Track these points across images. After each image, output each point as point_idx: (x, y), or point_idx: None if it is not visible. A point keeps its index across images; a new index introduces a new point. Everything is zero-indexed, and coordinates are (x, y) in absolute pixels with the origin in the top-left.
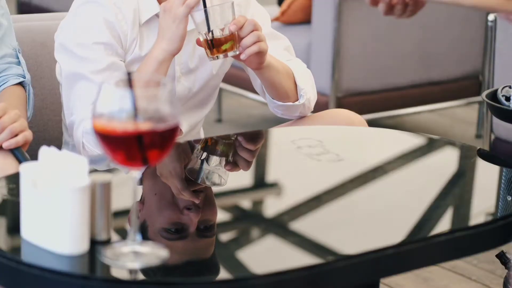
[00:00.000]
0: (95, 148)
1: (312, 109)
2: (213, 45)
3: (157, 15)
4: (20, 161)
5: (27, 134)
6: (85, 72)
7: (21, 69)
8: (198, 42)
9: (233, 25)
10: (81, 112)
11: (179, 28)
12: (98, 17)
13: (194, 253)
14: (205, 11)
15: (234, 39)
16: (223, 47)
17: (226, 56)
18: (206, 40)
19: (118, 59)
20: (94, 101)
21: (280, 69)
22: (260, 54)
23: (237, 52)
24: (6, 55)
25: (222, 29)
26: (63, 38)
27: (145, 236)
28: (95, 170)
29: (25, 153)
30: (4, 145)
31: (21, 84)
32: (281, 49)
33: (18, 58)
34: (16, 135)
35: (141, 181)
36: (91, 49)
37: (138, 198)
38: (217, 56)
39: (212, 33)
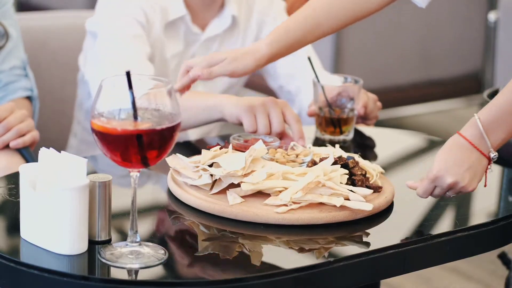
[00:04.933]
0: None
1: None
2: (339, 124)
3: (181, 19)
4: (27, 161)
5: (34, 134)
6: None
7: (29, 83)
8: (312, 114)
9: (362, 107)
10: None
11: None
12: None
13: (194, 253)
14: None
15: (354, 120)
16: (344, 129)
17: (337, 138)
18: (329, 118)
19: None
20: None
21: None
22: None
23: (351, 137)
24: (15, 67)
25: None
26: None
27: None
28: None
29: (32, 153)
30: (11, 144)
31: (28, 98)
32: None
33: (25, 70)
34: (23, 135)
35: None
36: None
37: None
38: (329, 136)
39: (340, 112)
